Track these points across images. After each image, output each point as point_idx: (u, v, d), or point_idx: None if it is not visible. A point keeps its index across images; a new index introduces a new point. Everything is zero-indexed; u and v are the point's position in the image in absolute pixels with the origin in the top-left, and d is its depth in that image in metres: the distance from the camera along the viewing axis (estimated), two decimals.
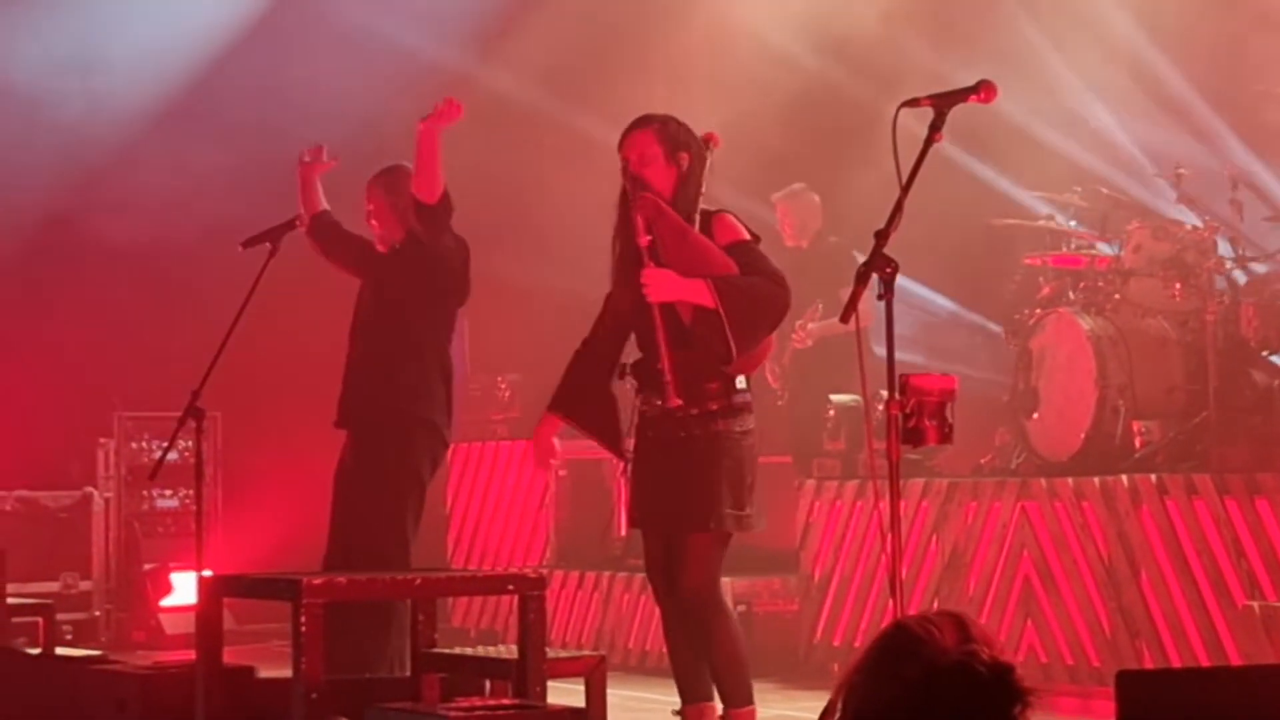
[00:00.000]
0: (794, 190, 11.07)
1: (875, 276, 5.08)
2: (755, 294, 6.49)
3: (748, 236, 6.67)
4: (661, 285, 6.52)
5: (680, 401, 6.50)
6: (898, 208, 5.13)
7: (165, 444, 8.64)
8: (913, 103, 5.29)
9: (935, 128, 5.24)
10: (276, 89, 12.82)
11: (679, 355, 6.50)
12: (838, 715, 2.76)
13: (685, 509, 6.56)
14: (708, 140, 6.79)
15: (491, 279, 13.55)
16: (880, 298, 5.16)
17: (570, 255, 10.78)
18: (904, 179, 5.14)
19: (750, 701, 6.63)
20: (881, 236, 5.07)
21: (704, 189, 6.72)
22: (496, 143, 12.13)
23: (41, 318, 12.53)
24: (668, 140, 6.70)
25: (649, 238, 6.56)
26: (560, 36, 12.77)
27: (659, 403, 6.59)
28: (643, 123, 6.76)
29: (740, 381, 6.60)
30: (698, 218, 6.64)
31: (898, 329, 5.13)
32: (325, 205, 8.55)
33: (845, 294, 5.24)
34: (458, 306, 8.40)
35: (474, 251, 8.35)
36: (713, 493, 6.52)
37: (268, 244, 7.93)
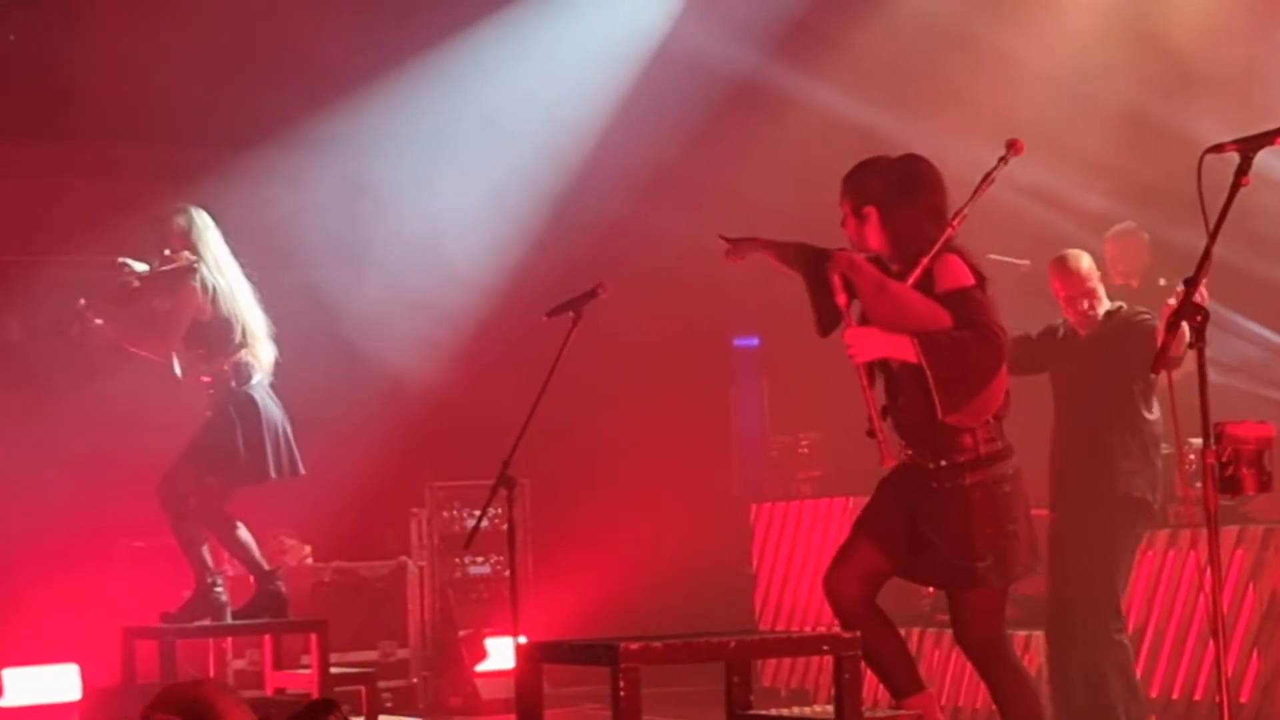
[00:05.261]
0: (1124, 229, 10.84)
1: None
2: (962, 351, 6.24)
3: (969, 281, 6.37)
4: (864, 344, 6.45)
5: (893, 463, 6.46)
6: (1206, 255, 5.07)
7: (476, 512, 8.81)
8: (1218, 148, 5.20)
9: (1242, 172, 5.14)
10: None
11: (898, 409, 6.49)
12: None
13: (945, 565, 6.45)
14: (1010, 146, 6.53)
15: (790, 337, 13.64)
16: (1190, 346, 5.11)
17: None
18: (1211, 225, 5.08)
19: None
20: (1191, 284, 5.02)
21: (964, 212, 6.43)
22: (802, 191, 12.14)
23: (355, 391, 12.83)
24: (851, 196, 6.56)
25: (845, 295, 6.48)
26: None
27: (909, 453, 6.53)
28: (843, 181, 6.63)
29: (991, 429, 6.41)
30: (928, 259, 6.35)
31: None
32: None
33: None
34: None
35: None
36: (969, 548, 6.37)
37: (571, 313, 8.07)
